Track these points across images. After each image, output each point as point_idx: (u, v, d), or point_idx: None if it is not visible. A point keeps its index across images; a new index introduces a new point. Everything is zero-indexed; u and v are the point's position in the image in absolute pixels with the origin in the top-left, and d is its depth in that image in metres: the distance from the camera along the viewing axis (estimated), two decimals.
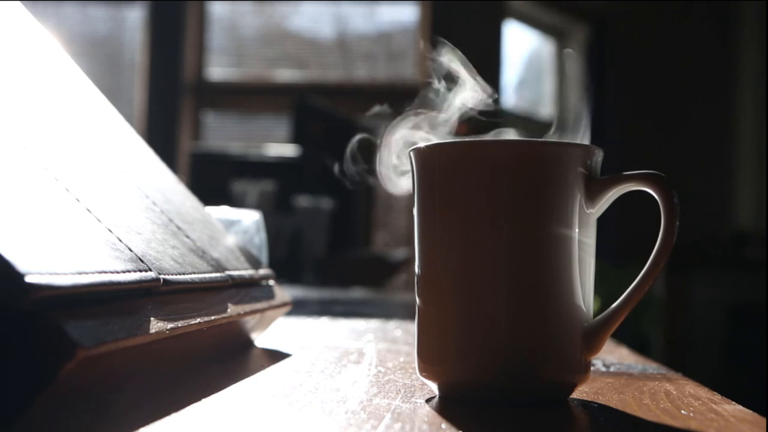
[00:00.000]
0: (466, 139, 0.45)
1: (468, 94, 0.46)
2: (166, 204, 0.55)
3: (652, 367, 0.55)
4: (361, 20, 3.69)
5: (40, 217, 0.36)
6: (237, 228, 0.75)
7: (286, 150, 2.41)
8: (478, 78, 0.45)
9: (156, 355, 0.42)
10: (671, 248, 0.40)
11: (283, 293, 0.66)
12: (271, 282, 0.65)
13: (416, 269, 0.43)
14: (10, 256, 0.30)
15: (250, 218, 0.78)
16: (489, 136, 0.45)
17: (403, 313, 1.01)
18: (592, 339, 0.41)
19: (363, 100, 3.59)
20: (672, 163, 3.56)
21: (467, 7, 3.50)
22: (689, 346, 3.41)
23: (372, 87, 3.64)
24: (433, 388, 0.42)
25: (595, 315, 0.42)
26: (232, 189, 1.97)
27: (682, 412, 0.39)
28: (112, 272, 0.36)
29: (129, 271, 0.38)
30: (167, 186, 0.60)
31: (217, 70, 3.66)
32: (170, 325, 0.40)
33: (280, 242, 1.84)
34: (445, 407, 0.39)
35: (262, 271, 0.64)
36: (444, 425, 0.35)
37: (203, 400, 0.39)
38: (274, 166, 2.28)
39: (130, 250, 0.41)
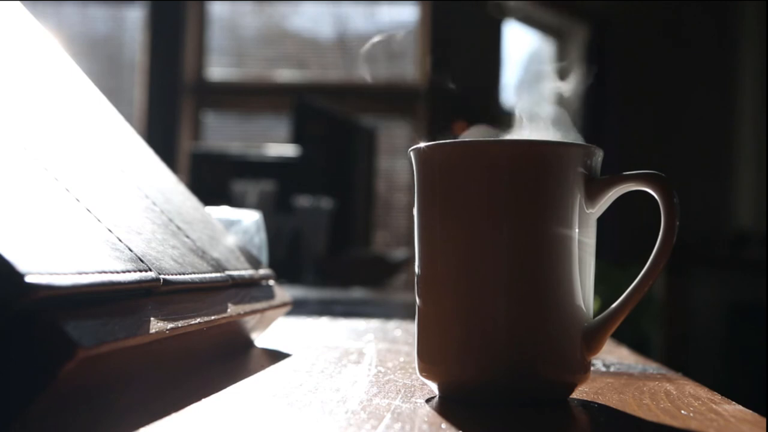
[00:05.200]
0: (466, 139, 0.45)
1: None
2: (166, 204, 0.55)
3: (652, 367, 0.55)
4: (361, 20, 3.69)
5: (40, 217, 0.36)
6: (237, 228, 0.75)
7: (286, 150, 2.41)
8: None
9: (156, 355, 0.42)
10: (671, 248, 0.40)
11: (283, 293, 0.66)
12: (271, 282, 0.65)
13: (416, 269, 0.43)
14: (10, 256, 0.30)
15: (250, 218, 0.78)
16: (489, 136, 0.45)
17: (403, 313, 1.01)
18: (592, 339, 0.41)
19: (363, 100, 3.60)
20: (672, 163, 3.56)
21: (467, 7, 3.50)
22: (689, 346, 3.41)
23: (372, 87, 3.64)
24: (433, 388, 0.42)
25: (595, 315, 0.42)
26: (232, 189, 1.97)
27: (682, 412, 0.39)
28: (112, 272, 0.36)
29: (129, 271, 0.38)
30: (167, 186, 0.60)
31: (217, 70, 3.66)
32: (170, 325, 0.40)
33: (280, 242, 1.84)
34: (445, 407, 0.39)
35: (262, 271, 0.64)
36: (444, 425, 0.35)
37: (203, 400, 0.39)
38: (274, 166, 2.28)
39: (130, 250, 0.41)
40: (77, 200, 0.41)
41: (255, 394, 0.41)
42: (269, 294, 0.62)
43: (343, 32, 3.64)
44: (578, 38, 3.79)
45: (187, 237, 0.53)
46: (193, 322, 0.43)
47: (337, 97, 3.38)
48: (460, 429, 0.35)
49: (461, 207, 0.41)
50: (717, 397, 0.43)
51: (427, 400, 0.41)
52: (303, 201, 2.01)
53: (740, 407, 0.40)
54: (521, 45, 3.88)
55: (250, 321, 0.57)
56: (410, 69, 3.64)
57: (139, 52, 3.59)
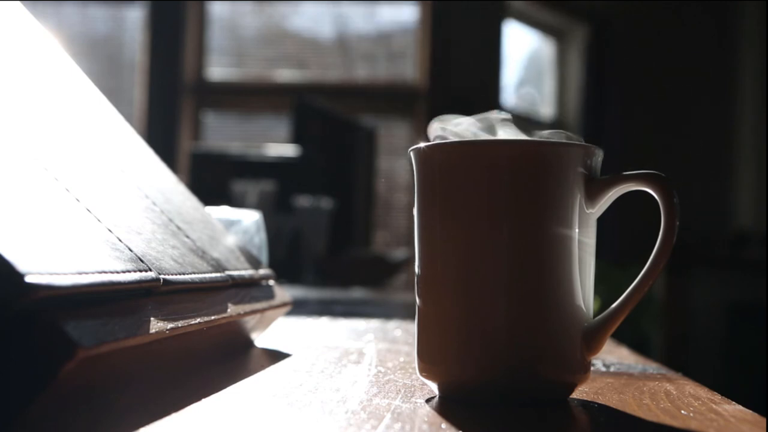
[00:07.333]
0: (466, 139, 0.45)
1: None
2: (166, 204, 0.55)
3: (652, 367, 0.55)
4: (361, 20, 3.69)
5: (40, 217, 0.36)
6: (237, 228, 0.75)
7: (286, 150, 2.41)
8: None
9: (156, 355, 0.42)
10: (671, 248, 0.40)
11: (283, 293, 0.66)
12: (271, 282, 0.65)
13: (416, 269, 0.43)
14: (10, 256, 0.30)
15: (250, 218, 0.78)
16: (489, 136, 0.45)
17: (403, 313, 1.01)
18: (592, 339, 0.41)
19: (363, 100, 3.59)
20: (672, 163, 3.56)
21: (467, 7, 3.50)
22: (689, 346, 3.41)
23: (372, 87, 3.64)
24: (433, 388, 0.42)
25: (595, 315, 0.42)
26: (232, 189, 1.97)
27: (682, 412, 0.39)
28: (112, 272, 0.36)
29: (129, 271, 0.38)
30: (167, 186, 0.60)
31: (217, 70, 3.66)
32: (170, 325, 0.40)
33: (280, 242, 1.84)
34: (445, 407, 0.39)
35: (262, 271, 0.64)
36: (444, 425, 0.35)
37: (203, 400, 0.39)
38: (274, 166, 2.28)
39: (130, 250, 0.41)
40: (77, 200, 0.41)
41: (255, 394, 0.41)
42: (269, 294, 0.62)
43: (343, 32, 3.64)
44: (578, 38, 3.79)
45: (187, 237, 0.53)
46: (193, 322, 0.43)
47: (337, 97, 3.38)
48: (460, 429, 0.35)
49: (461, 207, 0.41)
50: (717, 397, 0.43)
51: (427, 400, 0.41)
52: (303, 201, 2.01)
53: (740, 407, 0.40)
54: (521, 45, 3.89)
55: (250, 321, 0.57)
56: (410, 69, 3.64)
57: (139, 52, 3.59)
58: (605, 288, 0.97)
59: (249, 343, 0.61)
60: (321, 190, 2.19)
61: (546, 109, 3.91)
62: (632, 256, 1.60)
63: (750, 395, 2.81)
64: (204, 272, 0.49)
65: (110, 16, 3.68)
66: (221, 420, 0.35)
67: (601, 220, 0.43)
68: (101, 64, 3.62)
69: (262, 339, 0.64)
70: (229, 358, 0.54)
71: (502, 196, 0.40)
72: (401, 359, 0.55)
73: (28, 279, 0.30)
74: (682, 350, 3.39)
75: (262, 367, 0.50)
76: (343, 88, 3.61)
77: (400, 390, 0.43)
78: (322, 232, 2.01)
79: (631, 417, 0.38)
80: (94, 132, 0.55)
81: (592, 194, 0.41)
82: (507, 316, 0.40)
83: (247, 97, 3.63)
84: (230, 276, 0.54)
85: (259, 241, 0.78)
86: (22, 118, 0.44)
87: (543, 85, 3.97)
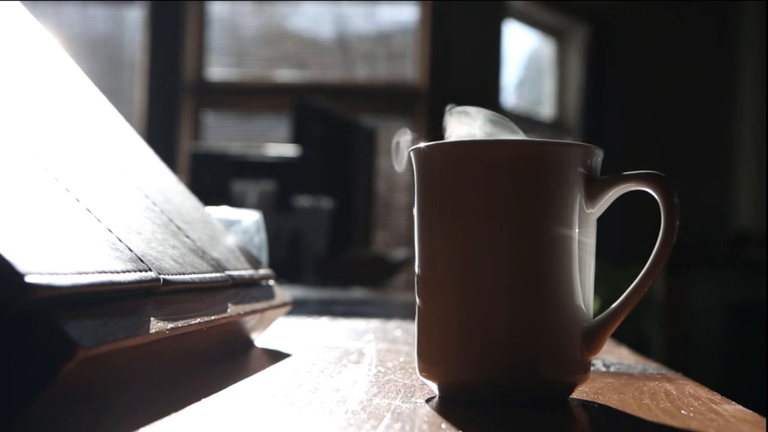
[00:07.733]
0: (467, 139, 0.45)
1: None
2: (166, 204, 0.55)
3: (652, 367, 0.55)
4: (361, 20, 3.69)
5: (40, 217, 0.36)
6: (237, 228, 0.75)
7: (286, 150, 2.41)
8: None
9: (156, 355, 0.42)
10: (671, 248, 0.40)
11: (283, 293, 0.66)
12: (271, 282, 0.65)
13: (416, 269, 0.43)
14: (10, 256, 0.30)
15: (250, 218, 0.78)
16: (488, 136, 0.45)
17: (403, 313, 1.01)
18: (592, 339, 0.41)
19: (363, 100, 3.59)
20: (672, 163, 3.56)
21: (467, 7, 3.50)
22: (689, 346, 3.41)
23: (372, 87, 3.64)
24: (433, 388, 0.42)
25: (595, 315, 0.42)
26: (232, 189, 1.97)
27: (682, 412, 0.39)
28: (112, 272, 0.36)
29: (129, 271, 0.38)
30: (167, 186, 0.60)
31: (217, 70, 3.66)
32: (170, 325, 0.40)
33: (280, 242, 1.84)
34: (445, 407, 0.39)
35: (262, 271, 0.64)
36: (444, 425, 0.35)
37: (203, 400, 0.39)
38: (274, 166, 2.28)
39: (130, 250, 0.41)
40: (77, 200, 0.41)
41: (255, 394, 0.41)
42: (269, 294, 0.62)
43: (343, 32, 3.64)
44: (578, 38, 3.79)
45: (187, 237, 0.53)
46: (193, 322, 0.43)
47: (337, 97, 3.38)
48: (460, 429, 0.35)
49: (461, 207, 0.41)
50: (717, 397, 0.43)
51: (427, 400, 0.41)
52: (303, 201, 2.01)
53: (740, 407, 0.40)
54: (521, 45, 3.89)
55: (250, 321, 0.57)
56: (410, 69, 3.64)
57: (139, 52, 3.59)
58: (605, 288, 0.97)
59: (249, 343, 0.61)
60: (321, 190, 2.19)
61: (546, 109, 3.91)
62: (632, 256, 1.60)
63: (750, 395, 2.81)
64: (204, 272, 0.49)
65: (110, 16, 3.68)
66: (221, 420, 0.35)
67: (601, 220, 0.43)
68: (101, 64, 3.62)
69: (262, 339, 0.64)
70: (229, 358, 0.54)
71: (502, 196, 0.40)
72: (401, 359, 0.55)
73: (28, 279, 0.30)
74: (682, 350, 3.40)
75: (262, 367, 0.50)
76: (343, 88, 3.61)
77: (400, 390, 0.43)
78: (322, 232, 2.01)
79: (631, 417, 0.38)
80: (94, 132, 0.55)
81: (592, 194, 0.41)
82: (507, 316, 0.40)
83: (247, 97, 3.63)
84: (230, 276, 0.54)
85: (259, 241, 0.78)
86: (22, 119, 0.44)
87: (543, 85, 3.96)
